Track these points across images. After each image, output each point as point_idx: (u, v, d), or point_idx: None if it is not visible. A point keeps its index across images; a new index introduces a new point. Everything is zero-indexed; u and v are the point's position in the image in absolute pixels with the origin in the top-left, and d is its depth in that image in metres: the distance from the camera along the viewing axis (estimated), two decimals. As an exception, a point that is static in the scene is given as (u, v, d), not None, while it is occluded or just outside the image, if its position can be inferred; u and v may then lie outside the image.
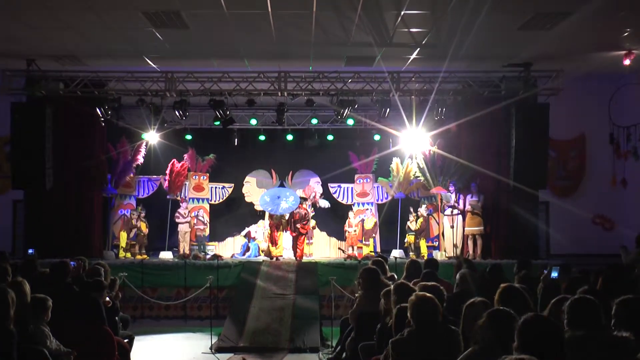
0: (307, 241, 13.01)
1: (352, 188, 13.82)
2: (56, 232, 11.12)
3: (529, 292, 4.26)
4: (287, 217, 12.43)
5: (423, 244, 12.39)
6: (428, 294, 4.01)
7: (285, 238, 12.80)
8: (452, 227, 11.69)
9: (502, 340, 3.07)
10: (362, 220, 13.01)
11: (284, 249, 12.73)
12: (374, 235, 12.94)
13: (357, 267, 9.76)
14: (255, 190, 13.98)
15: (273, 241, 12.36)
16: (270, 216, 12.65)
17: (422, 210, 12.61)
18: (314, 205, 13.19)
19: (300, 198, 12.58)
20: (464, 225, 11.69)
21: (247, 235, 13.37)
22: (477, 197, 11.60)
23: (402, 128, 11.95)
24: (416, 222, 12.50)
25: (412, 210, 12.72)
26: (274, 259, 12.11)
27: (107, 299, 6.34)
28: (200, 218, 13.18)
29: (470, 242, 11.61)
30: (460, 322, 3.83)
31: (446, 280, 6.76)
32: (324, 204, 13.51)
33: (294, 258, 12.14)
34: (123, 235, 12.24)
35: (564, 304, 3.68)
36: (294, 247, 12.26)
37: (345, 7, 7.76)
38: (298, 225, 12.06)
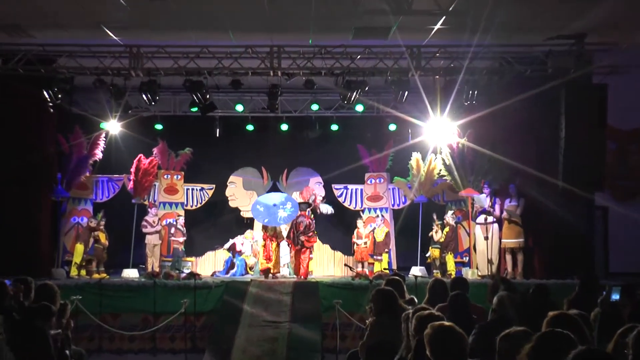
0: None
1: (361, 190, 13.80)
2: (-7, 245, 11.19)
3: (586, 320, 4.26)
4: (286, 227, 12.41)
5: (450, 260, 12.39)
6: (447, 323, 4.01)
7: (281, 252, 12.77)
8: (487, 238, 11.65)
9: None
10: (374, 230, 13.00)
11: (281, 265, 12.72)
12: (388, 248, 12.93)
13: (368, 288, 9.67)
14: (241, 192, 13.90)
15: (268, 257, 12.34)
16: (264, 227, 12.65)
17: (449, 217, 12.61)
18: (313, 211, 13.21)
19: (302, 204, 12.60)
20: (501, 236, 11.71)
21: (232, 249, 13.33)
22: (516, 201, 11.57)
23: (424, 116, 11.85)
24: (441, 232, 12.48)
25: (436, 217, 12.70)
26: (271, 276, 12.12)
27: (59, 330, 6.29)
28: (180, 228, 13.17)
29: (508, 257, 11.62)
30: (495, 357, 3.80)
31: (479, 305, 6.72)
32: (327, 209, 13.48)
33: (295, 276, 12.13)
34: (78, 249, 12.21)
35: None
36: (296, 264, 12.23)
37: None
38: (302, 238, 12.01)
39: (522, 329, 3.79)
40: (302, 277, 11.91)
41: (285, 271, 12.91)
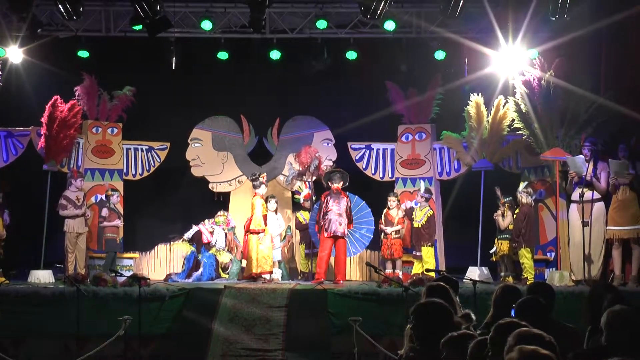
0: (307, 250, 13.36)
1: (392, 151, 13.94)
2: None
3: None
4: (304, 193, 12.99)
5: (526, 256, 12.28)
6: (543, 352, 3.95)
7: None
8: (585, 223, 11.57)
9: None
10: (412, 212, 13.02)
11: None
12: (433, 239, 12.96)
13: (403, 299, 9.78)
14: (210, 154, 14.06)
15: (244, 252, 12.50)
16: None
17: (522, 192, 12.50)
18: (318, 182, 13.31)
19: (331, 174, 12.80)
20: (607, 221, 11.70)
21: (196, 240, 13.38)
22: (631, 167, 11.41)
23: (489, 38, 11.97)
24: (511, 215, 12.41)
25: (500, 193, 12.62)
26: (260, 279, 12.32)
27: None
28: (114, 208, 13.23)
29: (616, 253, 11.65)
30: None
31: (570, 326, 6.60)
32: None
33: (310, 281, 12.53)
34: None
35: None
36: (323, 264, 12.46)
37: None
38: (341, 223, 12.35)
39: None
40: (338, 281, 12.46)
41: (278, 273, 13.05)
